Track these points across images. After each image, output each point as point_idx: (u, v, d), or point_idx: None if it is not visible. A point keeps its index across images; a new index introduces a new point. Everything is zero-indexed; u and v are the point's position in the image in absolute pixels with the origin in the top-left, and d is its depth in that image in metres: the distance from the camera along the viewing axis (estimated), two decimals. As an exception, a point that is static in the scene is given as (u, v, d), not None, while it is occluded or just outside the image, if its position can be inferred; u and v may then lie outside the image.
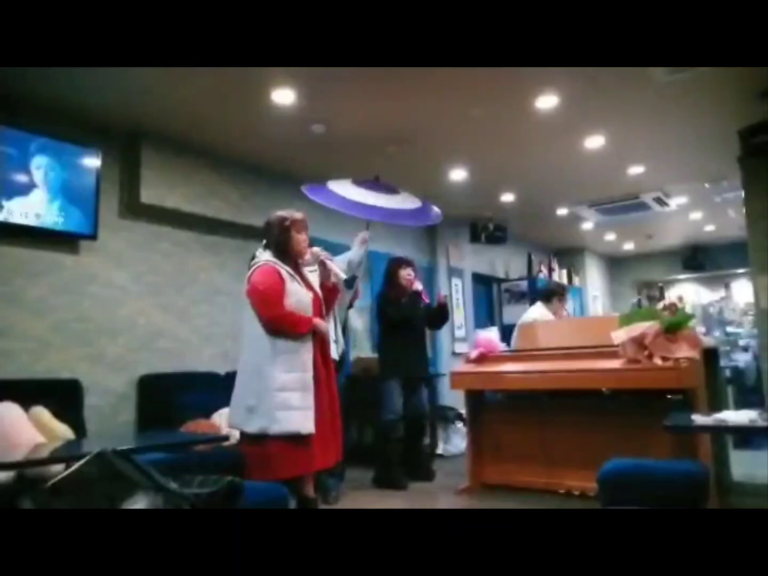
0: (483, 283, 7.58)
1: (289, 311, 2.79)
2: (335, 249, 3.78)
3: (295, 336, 2.78)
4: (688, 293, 9.13)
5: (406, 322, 4.10)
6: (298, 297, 2.84)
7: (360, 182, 3.72)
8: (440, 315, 4.34)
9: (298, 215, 2.97)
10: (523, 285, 7.53)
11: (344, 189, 3.62)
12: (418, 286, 4.17)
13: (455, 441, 5.22)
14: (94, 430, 3.45)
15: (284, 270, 2.86)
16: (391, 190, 3.80)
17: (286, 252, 2.92)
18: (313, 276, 3.06)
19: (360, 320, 5.77)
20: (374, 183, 3.78)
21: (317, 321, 2.87)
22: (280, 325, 2.77)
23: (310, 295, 2.92)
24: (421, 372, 4.28)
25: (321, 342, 2.93)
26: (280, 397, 2.70)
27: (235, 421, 2.90)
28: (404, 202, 3.83)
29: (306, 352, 2.80)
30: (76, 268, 3.72)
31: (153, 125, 3.92)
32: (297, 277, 2.90)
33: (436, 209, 4.07)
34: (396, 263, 4.24)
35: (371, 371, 4.81)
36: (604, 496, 2.16)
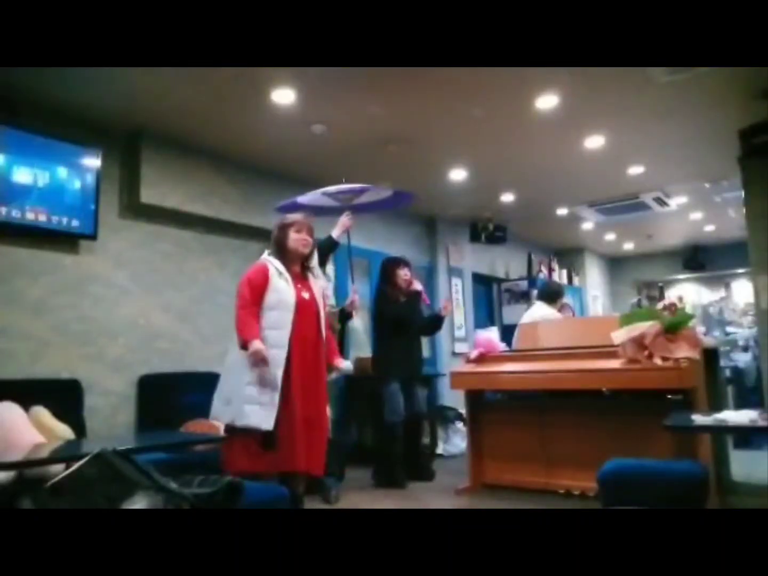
0: (483, 283, 7.57)
1: (246, 313, 2.77)
2: (339, 250, 3.86)
3: (243, 339, 2.76)
4: (688, 293, 9.12)
5: (405, 322, 4.07)
6: (280, 296, 2.83)
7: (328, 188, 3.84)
8: (435, 325, 4.41)
9: (297, 216, 3.05)
10: (523, 285, 7.52)
11: (314, 194, 3.81)
12: (418, 286, 4.15)
13: (455, 441, 5.22)
14: (94, 430, 3.46)
15: (273, 267, 2.89)
16: (360, 187, 3.89)
17: (284, 249, 2.97)
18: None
19: (360, 320, 5.76)
20: (342, 184, 3.87)
21: (254, 345, 2.69)
22: (236, 321, 2.81)
23: (306, 295, 2.93)
24: (418, 372, 4.27)
25: (302, 345, 2.86)
26: (249, 392, 2.75)
27: (214, 412, 2.98)
28: (376, 194, 3.97)
29: (280, 349, 2.79)
30: (76, 268, 3.72)
31: (153, 125, 3.92)
32: (287, 274, 2.90)
33: (407, 193, 4.15)
34: (393, 263, 4.22)
35: (371, 371, 4.81)
36: (604, 496, 2.15)
